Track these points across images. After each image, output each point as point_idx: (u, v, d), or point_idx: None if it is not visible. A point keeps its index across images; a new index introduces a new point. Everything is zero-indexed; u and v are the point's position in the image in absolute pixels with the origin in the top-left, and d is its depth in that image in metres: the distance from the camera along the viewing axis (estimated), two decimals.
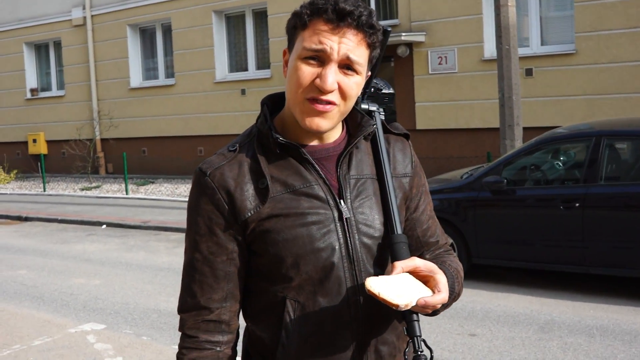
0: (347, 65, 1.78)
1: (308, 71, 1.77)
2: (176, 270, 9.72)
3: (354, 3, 1.77)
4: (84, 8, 22.43)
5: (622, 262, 7.55)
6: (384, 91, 2.12)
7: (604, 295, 7.74)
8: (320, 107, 1.78)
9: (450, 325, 6.96)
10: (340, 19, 1.75)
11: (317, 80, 1.76)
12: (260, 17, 19.23)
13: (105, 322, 7.63)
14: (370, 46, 1.82)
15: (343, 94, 1.79)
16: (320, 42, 1.76)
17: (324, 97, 1.77)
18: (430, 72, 15.96)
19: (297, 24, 1.82)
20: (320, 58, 1.77)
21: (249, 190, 1.85)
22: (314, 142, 1.91)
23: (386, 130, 2.03)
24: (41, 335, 7.27)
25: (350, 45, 1.77)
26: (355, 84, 1.81)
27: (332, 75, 1.76)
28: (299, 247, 1.83)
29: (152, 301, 8.31)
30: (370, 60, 1.86)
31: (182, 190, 17.86)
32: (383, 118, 2.04)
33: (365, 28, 1.78)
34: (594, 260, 7.67)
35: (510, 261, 8.34)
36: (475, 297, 7.82)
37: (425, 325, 6.65)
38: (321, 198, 1.87)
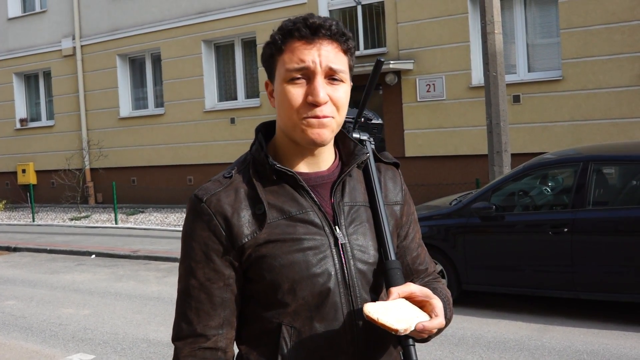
0: (331, 76, 1.82)
1: (297, 92, 1.81)
2: (165, 299, 9.68)
3: (319, 17, 1.83)
4: (73, 38, 22.50)
5: (611, 286, 7.56)
6: (373, 121, 2.16)
7: (593, 320, 7.74)
8: (317, 121, 1.81)
9: (441, 352, 6.95)
10: (313, 33, 1.81)
11: (309, 97, 1.79)
12: (249, 46, 19.34)
13: (94, 352, 7.57)
14: (347, 52, 1.87)
15: (335, 105, 1.83)
16: (302, 60, 1.80)
17: (321, 113, 1.80)
18: (418, 99, 16.05)
19: (272, 52, 1.86)
20: (305, 75, 1.81)
21: (246, 216, 1.86)
22: (308, 170, 1.93)
23: (377, 159, 2.07)
24: None
25: (329, 55, 1.82)
26: (344, 93, 1.85)
27: (322, 88, 1.80)
28: (296, 272, 1.84)
29: (141, 331, 8.26)
30: (350, 68, 1.90)
31: (171, 220, 17.82)
32: (373, 147, 2.08)
33: (338, 36, 1.84)
34: (583, 285, 7.68)
35: (500, 287, 8.35)
36: (466, 324, 7.81)
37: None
38: (317, 224, 1.88)
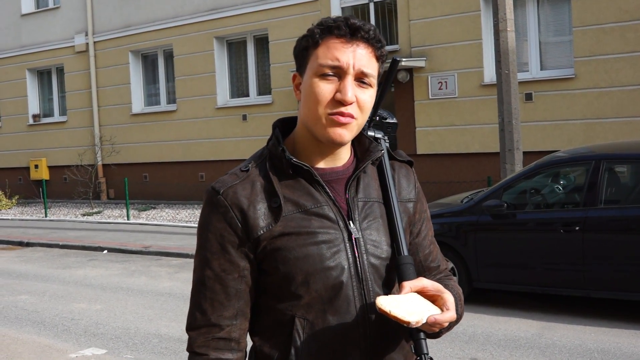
0: (361, 79, 1.86)
1: (327, 87, 1.84)
2: (177, 295, 9.72)
3: (360, 20, 1.87)
4: (86, 35, 22.60)
5: (622, 285, 7.55)
6: (388, 120, 2.19)
7: (604, 318, 7.73)
8: (342, 119, 1.84)
9: (452, 349, 6.96)
10: (352, 34, 1.85)
11: (338, 94, 1.83)
12: (262, 43, 19.36)
13: (106, 347, 7.62)
14: (379, 59, 1.91)
15: (360, 107, 1.87)
16: (337, 58, 1.83)
17: (346, 111, 1.84)
18: (430, 97, 16.04)
19: (308, 44, 1.89)
20: (337, 73, 1.84)
21: (262, 208, 1.88)
22: (324, 165, 1.96)
23: (391, 157, 2.10)
24: None
25: (363, 59, 1.86)
26: (369, 96, 1.89)
27: (351, 88, 1.83)
28: (310, 265, 1.86)
29: (153, 326, 8.30)
30: (379, 74, 1.94)
31: (183, 216, 17.87)
32: (388, 145, 2.11)
33: (374, 42, 1.87)
34: (594, 284, 7.67)
35: (511, 285, 8.35)
36: (476, 321, 7.81)
37: None
38: (331, 219, 1.91)
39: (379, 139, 2.08)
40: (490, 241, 8.39)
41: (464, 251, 8.47)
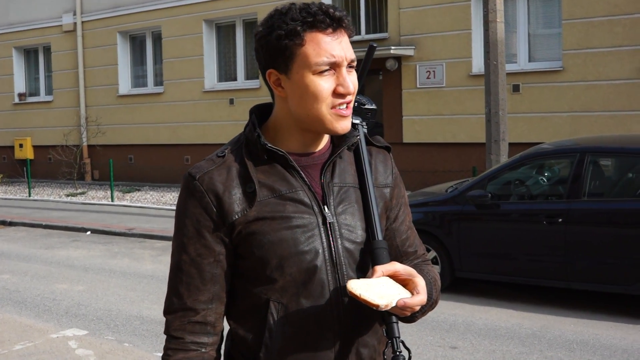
0: (349, 65, 1.90)
1: (327, 84, 1.87)
2: (160, 278, 9.71)
3: (335, 7, 1.89)
4: (74, 14, 22.43)
5: (603, 277, 7.60)
6: (367, 106, 2.20)
7: (584, 310, 7.79)
8: (346, 112, 1.89)
9: (432, 337, 6.99)
10: (337, 26, 1.87)
11: (340, 88, 1.87)
12: (251, 27, 19.27)
13: (87, 328, 7.61)
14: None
15: (353, 91, 1.91)
16: (331, 54, 1.85)
17: (349, 100, 1.89)
18: (418, 86, 16.04)
19: (289, 43, 1.86)
20: (332, 67, 1.87)
21: (237, 194, 1.90)
22: (301, 151, 1.98)
23: (368, 143, 2.11)
24: (22, 340, 7.25)
25: (348, 47, 1.91)
26: (356, 78, 1.94)
27: (349, 78, 1.88)
28: (284, 249, 1.89)
29: (135, 308, 8.30)
30: None
31: (167, 199, 17.83)
32: (366, 131, 2.13)
33: (350, 27, 1.92)
34: (575, 276, 7.71)
35: (493, 275, 8.38)
36: (457, 310, 7.85)
37: (407, 337, 6.67)
38: (306, 203, 1.93)
39: (357, 124, 2.09)
40: (473, 231, 8.42)
41: (447, 240, 8.49)
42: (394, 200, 2.12)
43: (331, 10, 1.86)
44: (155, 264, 10.74)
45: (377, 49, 2.05)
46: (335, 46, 1.85)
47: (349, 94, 1.87)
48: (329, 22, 1.85)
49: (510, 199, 8.52)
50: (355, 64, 1.91)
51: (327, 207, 1.95)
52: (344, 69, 1.87)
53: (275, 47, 1.87)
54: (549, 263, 7.88)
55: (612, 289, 7.67)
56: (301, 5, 1.88)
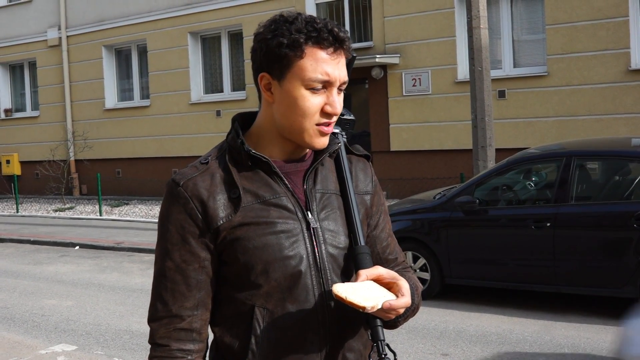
0: (340, 87, 1.92)
1: (316, 101, 1.89)
2: (149, 291, 9.56)
3: (340, 28, 1.90)
4: (59, 29, 22.38)
5: (592, 281, 7.62)
6: (345, 117, 2.22)
7: (575, 314, 7.80)
8: (327, 129, 1.92)
9: (423, 345, 6.98)
10: (338, 47, 1.89)
11: (327, 107, 1.89)
12: (236, 38, 19.30)
13: (76, 343, 7.57)
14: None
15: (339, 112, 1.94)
16: (327, 73, 1.87)
17: (331, 120, 1.92)
18: (404, 93, 16.08)
19: (289, 52, 1.86)
20: (324, 86, 1.88)
21: (221, 199, 1.91)
22: (283, 158, 1.99)
23: (348, 151, 2.14)
24: (11, 356, 7.19)
25: (344, 69, 1.92)
26: (342, 99, 1.96)
27: (338, 100, 1.90)
28: (269, 254, 1.89)
29: (124, 322, 8.25)
30: None
31: (156, 212, 17.76)
32: (345, 141, 2.15)
33: (350, 50, 1.94)
34: (564, 279, 7.73)
35: (483, 281, 8.38)
36: (448, 317, 7.85)
37: (398, 346, 6.67)
38: (289, 209, 1.94)
39: (337, 134, 2.11)
40: (462, 237, 8.42)
41: (436, 247, 8.49)
42: (375, 207, 2.14)
43: (336, 29, 1.87)
44: (144, 278, 10.69)
45: (360, 58, 2.06)
46: (332, 66, 1.87)
47: (335, 115, 1.90)
48: (332, 41, 1.86)
49: (498, 204, 8.54)
50: (345, 86, 1.93)
51: (311, 213, 1.97)
52: (335, 90, 1.89)
53: (274, 53, 1.88)
54: (539, 268, 7.89)
55: (602, 292, 7.68)
56: (307, 18, 1.88)
